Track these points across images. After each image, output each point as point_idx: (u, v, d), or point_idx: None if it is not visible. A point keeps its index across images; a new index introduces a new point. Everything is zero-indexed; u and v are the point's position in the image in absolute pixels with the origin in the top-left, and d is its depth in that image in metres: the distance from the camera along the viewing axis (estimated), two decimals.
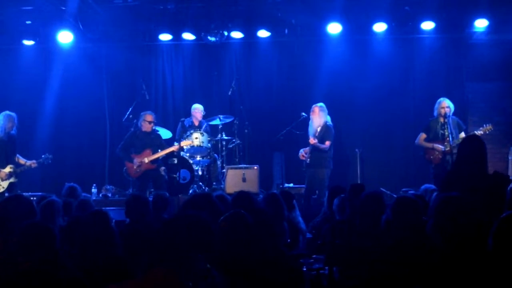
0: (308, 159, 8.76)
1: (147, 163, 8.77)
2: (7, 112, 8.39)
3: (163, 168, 8.91)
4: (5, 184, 8.16)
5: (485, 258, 2.50)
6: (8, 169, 8.20)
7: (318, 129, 8.81)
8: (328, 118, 8.89)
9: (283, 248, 3.91)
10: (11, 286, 2.76)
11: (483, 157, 4.19)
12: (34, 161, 8.46)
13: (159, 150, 8.84)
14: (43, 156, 8.58)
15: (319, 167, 8.72)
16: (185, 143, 8.94)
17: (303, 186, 8.95)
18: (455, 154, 8.13)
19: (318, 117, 8.82)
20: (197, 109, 9.65)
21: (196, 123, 9.58)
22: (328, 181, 8.68)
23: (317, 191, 8.69)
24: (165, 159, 9.05)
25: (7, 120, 8.29)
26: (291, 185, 9.35)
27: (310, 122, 8.92)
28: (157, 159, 8.85)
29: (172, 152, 8.96)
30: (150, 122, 8.91)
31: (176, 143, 8.99)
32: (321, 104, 8.92)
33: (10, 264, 2.91)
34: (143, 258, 3.17)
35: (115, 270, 3.51)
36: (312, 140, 8.62)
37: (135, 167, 8.80)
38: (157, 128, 9.32)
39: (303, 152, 8.89)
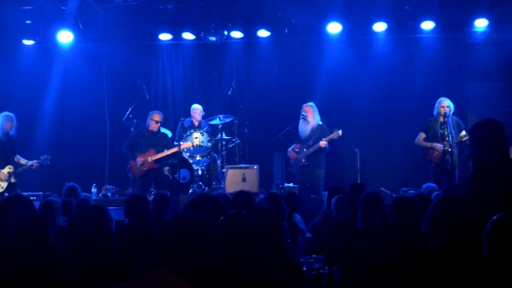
0: (304, 159, 8.77)
1: (150, 162, 8.77)
2: (6, 112, 8.39)
3: (167, 168, 8.88)
4: (4, 184, 8.16)
5: (481, 260, 2.50)
6: (7, 169, 8.19)
7: (312, 129, 8.81)
8: (319, 118, 8.91)
9: (286, 248, 3.91)
10: (10, 286, 2.76)
11: (505, 140, 3.74)
12: (35, 161, 8.45)
13: (165, 150, 8.83)
14: (41, 157, 8.55)
15: (317, 167, 8.78)
16: (186, 145, 8.91)
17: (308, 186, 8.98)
18: (454, 153, 8.21)
19: (312, 117, 8.84)
20: (196, 109, 9.65)
21: (196, 123, 9.58)
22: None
23: (318, 191, 8.73)
24: (166, 158, 9.04)
25: (6, 120, 8.28)
26: (291, 184, 9.35)
27: (301, 122, 8.90)
28: (160, 159, 8.84)
29: (174, 152, 8.96)
30: (157, 122, 8.90)
31: (176, 143, 8.99)
32: (312, 103, 8.96)
33: (9, 263, 2.91)
34: (144, 258, 3.19)
35: (112, 267, 3.52)
36: (324, 143, 8.61)
37: (138, 166, 8.80)
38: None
39: (292, 151, 8.88)
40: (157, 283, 2.17)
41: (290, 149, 8.94)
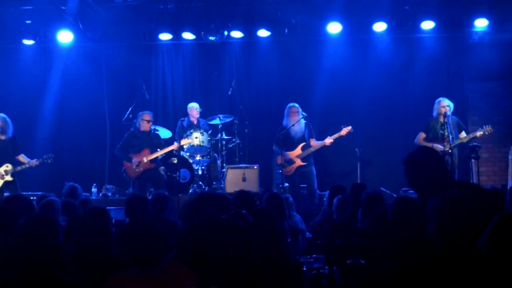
0: (301, 159, 8.78)
1: (145, 162, 8.78)
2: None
3: (162, 168, 8.91)
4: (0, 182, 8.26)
5: (484, 260, 2.50)
6: (4, 167, 8.26)
7: (301, 129, 8.85)
8: None
9: (284, 247, 3.91)
10: (11, 287, 2.75)
11: (441, 166, 3.61)
12: (35, 160, 8.48)
13: (158, 150, 8.84)
14: (44, 156, 8.58)
15: (312, 166, 8.89)
16: (184, 142, 8.94)
17: (304, 185, 8.97)
18: (454, 154, 8.22)
19: (297, 118, 8.85)
20: (193, 108, 9.64)
21: (195, 122, 9.58)
22: None
23: (314, 190, 8.76)
24: (165, 158, 9.05)
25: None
26: None
27: (289, 122, 8.86)
28: (156, 158, 8.86)
29: (172, 151, 8.97)
30: (148, 121, 8.94)
31: (176, 143, 8.99)
32: (296, 104, 8.99)
33: (11, 264, 2.90)
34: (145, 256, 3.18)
35: (113, 268, 3.52)
36: (330, 140, 8.73)
37: (133, 167, 8.81)
38: (157, 127, 9.33)
39: (286, 155, 8.82)
40: (170, 276, 2.17)
41: (282, 152, 8.82)
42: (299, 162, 8.81)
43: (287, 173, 8.88)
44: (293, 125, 8.88)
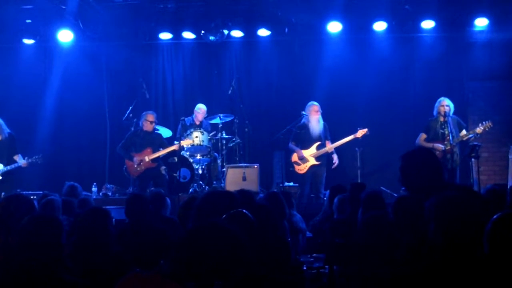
0: (315, 159, 8.77)
1: (147, 161, 8.78)
2: None
3: (163, 167, 8.92)
4: None
5: (482, 258, 2.49)
6: None
7: (319, 128, 8.82)
8: None
9: (284, 246, 3.90)
10: (12, 286, 2.74)
11: (436, 166, 3.63)
12: (25, 161, 8.35)
13: (160, 149, 8.85)
14: (34, 156, 8.42)
15: (324, 166, 8.85)
16: (185, 142, 8.94)
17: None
18: (456, 153, 8.22)
19: (317, 116, 8.85)
20: (201, 110, 9.61)
21: (197, 123, 9.58)
22: None
23: (320, 190, 8.76)
24: (165, 158, 9.06)
25: None
26: (291, 184, 9.35)
27: (310, 121, 8.85)
28: (157, 158, 8.86)
29: (173, 151, 8.97)
30: (151, 122, 8.95)
31: (176, 142, 8.99)
32: (316, 102, 8.97)
33: (11, 263, 2.89)
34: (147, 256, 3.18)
35: (113, 268, 3.52)
36: (332, 149, 8.79)
37: (135, 166, 8.82)
38: (157, 127, 9.33)
39: (301, 153, 8.81)
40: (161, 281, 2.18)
41: (300, 151, 8.81)
42: (313, 161, 8.78)
43: (300, 171, 8.83)
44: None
